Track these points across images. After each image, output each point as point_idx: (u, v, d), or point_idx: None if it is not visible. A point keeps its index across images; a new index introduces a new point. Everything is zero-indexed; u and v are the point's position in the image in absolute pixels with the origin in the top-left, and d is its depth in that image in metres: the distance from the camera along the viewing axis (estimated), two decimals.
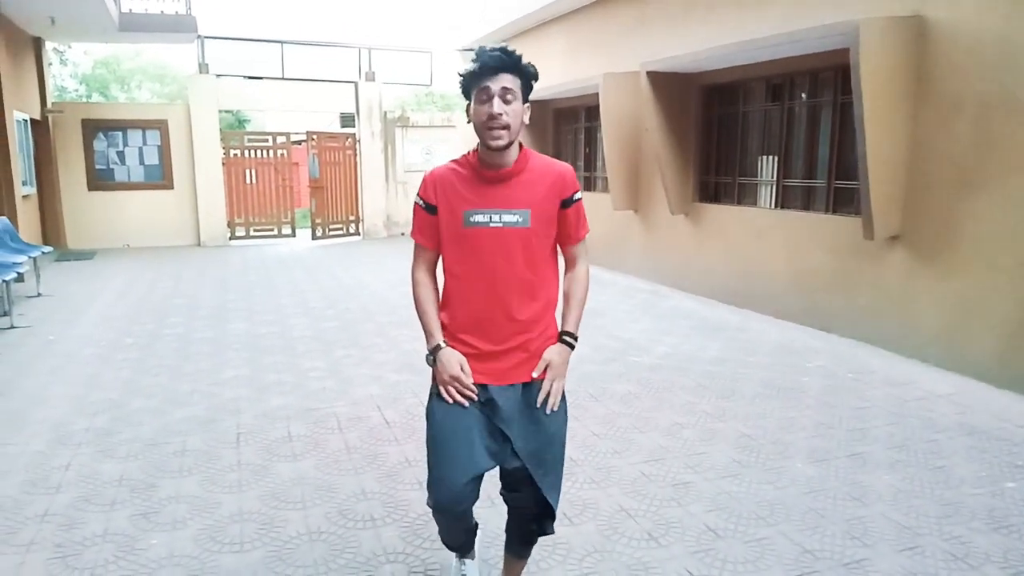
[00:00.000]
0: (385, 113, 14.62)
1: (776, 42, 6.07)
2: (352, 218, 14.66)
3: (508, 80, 2.01)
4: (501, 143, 2.03)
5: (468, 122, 2.10)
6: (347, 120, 19.48)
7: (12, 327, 6.68)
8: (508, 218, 2.09)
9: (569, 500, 3.26)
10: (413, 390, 4.84)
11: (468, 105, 2.09)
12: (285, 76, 13.90)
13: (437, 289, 2.27)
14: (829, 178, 6.42)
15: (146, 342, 6.18)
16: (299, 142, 15.96)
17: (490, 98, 2.00)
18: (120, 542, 2.93)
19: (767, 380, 4.99)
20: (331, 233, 14.23)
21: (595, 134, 10.26)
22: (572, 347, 2.23)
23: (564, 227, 2.20)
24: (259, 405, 4.58)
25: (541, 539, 2.78)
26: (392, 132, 14.71)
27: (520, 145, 2.14)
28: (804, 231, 6.57)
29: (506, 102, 2.01)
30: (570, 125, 11.21)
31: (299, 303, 7.88)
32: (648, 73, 7.73)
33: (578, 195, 2.20)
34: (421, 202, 2.18)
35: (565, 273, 2.28)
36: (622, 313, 7.14)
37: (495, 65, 2.00)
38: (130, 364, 5.50)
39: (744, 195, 7.61)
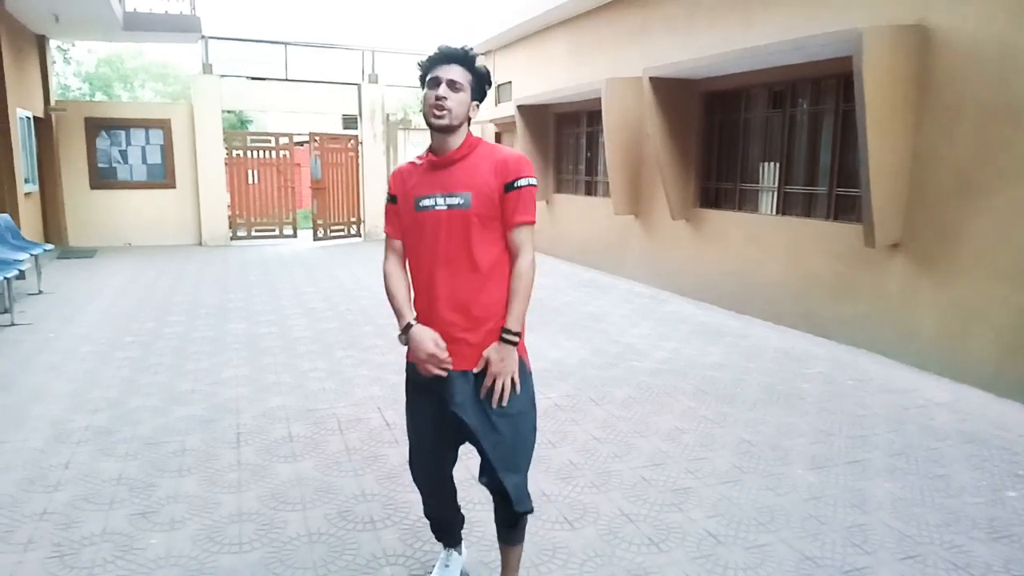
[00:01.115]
0: (387, 115, 14.64)
1: (779, 49, 6.07)
2: (353, 219, 14.67)
3: (457, 73, 2.17)
4: (442, 122, 2.15)
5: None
6: (349, 122, 19.51)
7: (13, 324, 6.67)
8: (451, 200, 2.18)
9: (569, 504, 3.26)
10: None
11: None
12: (288, 77, 13.93)
13: (408, 278, 2.36)
14: (830, 185, 6.43)
15: (146, 340, 6.17)
16: (301, 143, 15.97)
17: (438, 84, 2.16)
18: (118, 541, 2.92)
19: (767, 386, 4.99)
20: (332, 234, 14.23)
21: (597, 139, 10.27)
22: (512, 343, 2.20)
23: (503, 211, 2.19)
24: (259, 405, 4.58)
25: (541, 543, 2.80)
26: (394, 134, 14.73)
27: (469, 134, 2.26)
28: (805, 237, 6.57)
29: (453, 90, 2.16)
30: (572, 129, 11.22)
31: (299, 304, 7.87)
32: (651, 79, 7.74)
33: (523, 182, 2.18)
34: (388, 196, 2.35)
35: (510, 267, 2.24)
36: (622, 317, 7.14)
37: (448, 54, 2.18)
38: (130, 362, 5.50)
39: (745, 201, 7.62)
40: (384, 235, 2.40)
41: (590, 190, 10.73)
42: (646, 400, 4.69)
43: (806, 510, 3.21)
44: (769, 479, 3.53)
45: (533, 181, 2.21)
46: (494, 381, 2.19)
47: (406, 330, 2.24)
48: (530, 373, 2.33)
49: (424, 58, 2.22)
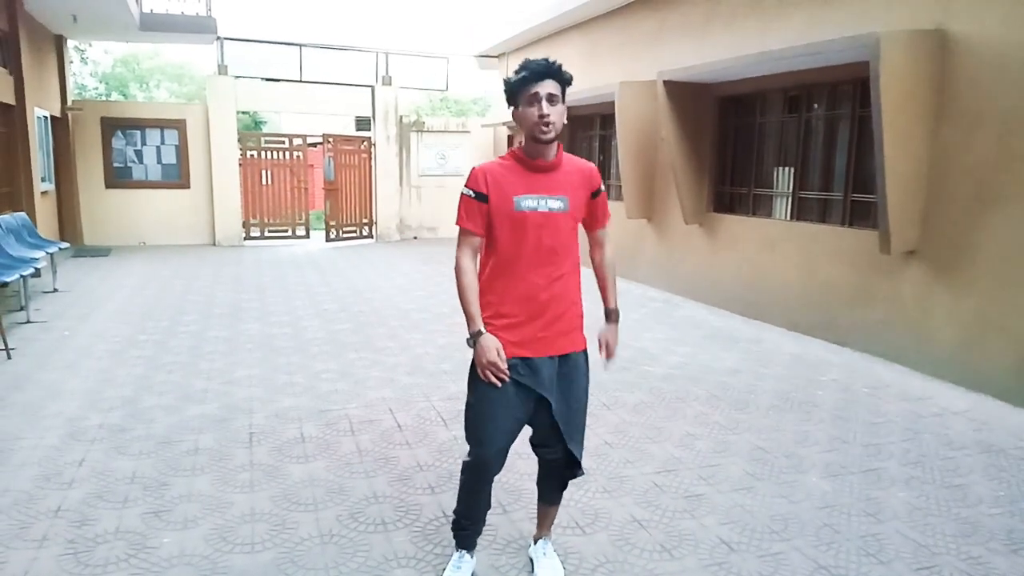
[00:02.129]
0: (401, 117, 14.67)
1: (795, 54, 6.04)
2: (366, 221, 14.70)
3: (552, 86, 2.34)
4: (550, 136, 2.35)
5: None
6: (363, 123, 19.57)
7: (28, 322, 6.73)
8: (553, 203, 2.41)
9: (581, 509, 3.25)
10: (425, 393, 4.84)
11: (513, 110, 2.41)
12: (303, 79, 13.97)
13: (493, 276, 2.49)
14: (846, 191, 6.39)
15: (160, 339, 6.21)
16: (315, 144, 16.04)
17: (539, 100, 2.32)
18: (132, 540, 2.93)
19: (781, 393, 4.96)
20: (344, 235, 14.27)
21: (610, 142, 10.25)
22: (617, 320, 2.64)
23: (593, 213, 2.57)
24: (272, 405, 4.59)
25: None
26: (407, 136, 14.76)
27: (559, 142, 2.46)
28: (820, 243, 6.53)
29: (552, 104, 2.33)
30: (585, 132, 11.21)
31: (312, 304, 7.90)
32: (665, 82, 7.72)
33: (602, 187, 2.58)
34: (471, 192, 2.43)
35: (595, 255, 2.66)
36: (635, 322, 7.11)
37: (542, 71, 2.32)
38: (144, 361, 5.53)
39: (759, 206, 7.58)
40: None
41: None
42: (659, 405, 4.67)
43: (820, 518, 3.18)
44: (783, 487, 3.51)
45: None
46: (613, 354, 2.64)
47: (476, 335, 2.40)
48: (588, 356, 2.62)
49: (513, 76, 2.36)
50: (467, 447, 2.55)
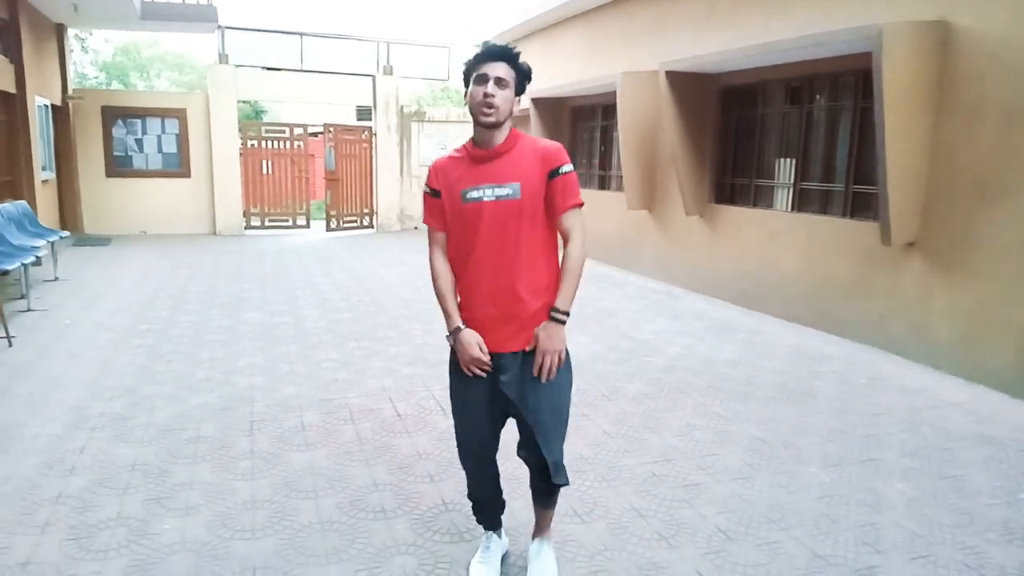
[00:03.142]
0: (402, 107, 14.64)
1: (798, 45, 6.02)
2: (366, 211, 14.70)
3: (503, 70, 2.25)
4: (491, 119, 2.25)
5: (466, 104, 2.31)
6: (363, 113, 19.52)
7: (29, 310, 6.74)
8: (500, 192, 2.28)
9: (579, 497, 3.27)
10: (425, 383, 4.86)
11: (466, 91, 2.32)
12: (303, 68, 13.93)
13: (452, 274, 2.46)
14: (847, 182, 6.38)
15: (162, 328, 6.22)
16: (316, 134, 15.99)
17: (486, 81, 2.24)
18: (133, 526, 2.95)
19: (780, 384, 4.97)
20: (345, 225, 14.27)
21: (612, 133, 10.23)
22: (561, 322, 2.31)
23: (551, 197, 2.31)
24: (273, 394, 4.61)
25: (553, 537, 2.82)
26: (408, 126, 14.72)
27: (512, 128, 2.35)
28: (820, 235, 6.52)
29: (500, 87, 2.24)
30: (587, 123, 11.19)
31: (313, 294, 7.91)
32: (667, 73, 7.70)
33: (565, 168, 2.31)
34: (427, 189, 2.44)
35: (564, 249, 2.37)
36: (635, 313, 7.12)
37: (495, 53, 2.26)
38: (145, 350, 5.55)
39: (760, 197, 7.57)
40: (425, 226, 2.48)
41: (604, 184, 10.70)
42: (658, 396, 4.69)
43: (818, 508, 3.20)
44: (781, 476, 3.52)
45: (572, 167, 2.33)
46: (544, 358, 2.30)
47: (455, 332, 2.39)
48: (569, 354, 2.44)
49: (470, 56, 2.31)
50: None
